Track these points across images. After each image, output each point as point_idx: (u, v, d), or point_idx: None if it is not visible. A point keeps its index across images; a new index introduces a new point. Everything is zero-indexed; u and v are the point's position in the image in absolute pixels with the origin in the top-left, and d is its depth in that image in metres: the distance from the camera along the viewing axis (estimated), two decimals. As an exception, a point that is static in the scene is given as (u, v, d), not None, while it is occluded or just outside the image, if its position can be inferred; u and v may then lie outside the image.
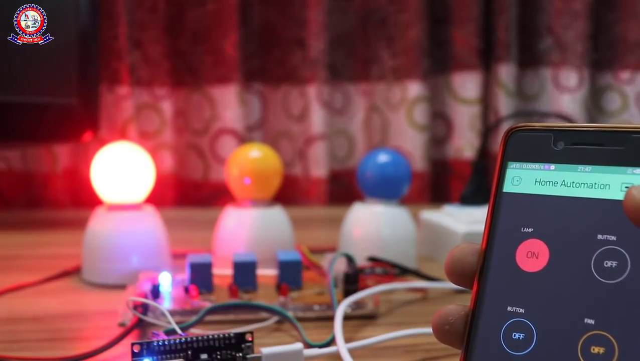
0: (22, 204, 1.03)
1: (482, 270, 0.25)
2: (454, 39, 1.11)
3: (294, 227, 0.65)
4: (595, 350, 0.22)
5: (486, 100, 1.13)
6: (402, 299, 0.55)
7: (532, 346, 0.24)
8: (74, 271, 0.62)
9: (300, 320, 0.47)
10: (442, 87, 1.14)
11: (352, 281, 0.52)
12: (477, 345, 0.24)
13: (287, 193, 1.05)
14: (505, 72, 1.11)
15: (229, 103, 1.04)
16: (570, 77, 1.13)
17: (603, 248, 0.23)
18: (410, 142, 1.11)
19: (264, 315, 0.48)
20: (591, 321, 0.23)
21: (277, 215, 0.64)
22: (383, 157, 0.63)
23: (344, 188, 1.10)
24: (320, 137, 1.08)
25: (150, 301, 0.46)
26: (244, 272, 0.52)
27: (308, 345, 0.42)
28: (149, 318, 0.45)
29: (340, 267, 0.54)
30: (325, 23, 1.07)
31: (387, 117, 1.12)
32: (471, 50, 1.10)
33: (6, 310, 0.52)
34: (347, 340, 0.42)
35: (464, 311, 0.26)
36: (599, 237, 0.23)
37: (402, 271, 0.59)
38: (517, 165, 0.26)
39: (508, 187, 0.26)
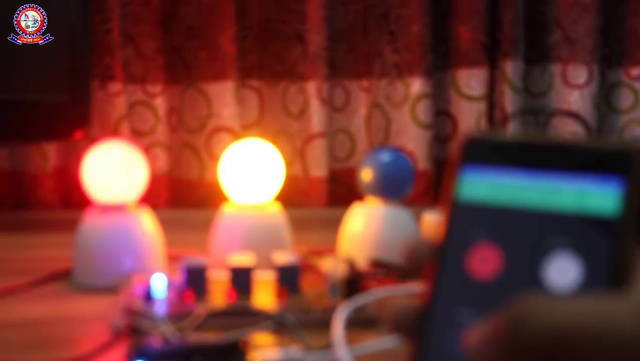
0: (10, 205, 1.03)
1: (435, 278, 0.26)
2: (459, 34, 1.11)
3: (292, 229, 0.65)
4: None
5: (492, 97, 1.13)
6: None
7: None
8: (64, 274, 0.62)
9: (300, 324, 0.48)
10: (446, 83, 1.14)
11: (353, 284, 0.52)
12: (429, 354, 0.25)
13: (286, 194, 1.04)
14: (512, 68, 1.10)
15: (225, 101, 1.04)
16: (580, 74, 1.12)
17: (553, 254, 0.24)
18: (413, 140, 1.10)
19: (261, 319, 0.49)
20: None
21: (275, 216, 0.64)
22: (385, 156, 0.63)
23: (345, 189, 1.10)
24: (320, 135, 1.07)
25: (144, 307, 0.46)
26: (241, 276, 0.53)
27: (307, 350, 0.43)
28: (142, 323, 0.45)
29: (340, 269, 0.54)
30: (325, 17, 1.06)
31: (389, 114, 1.12)
32: (476, 45, 1.10)
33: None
34: (347, 344, 0.42)
35: (415, 313, 0.26)
36: (550, 242, 0.24)
37: (405, 274, 0.59)
38: (473, 172, 0.27)
39: (463, 194, 0.27)
